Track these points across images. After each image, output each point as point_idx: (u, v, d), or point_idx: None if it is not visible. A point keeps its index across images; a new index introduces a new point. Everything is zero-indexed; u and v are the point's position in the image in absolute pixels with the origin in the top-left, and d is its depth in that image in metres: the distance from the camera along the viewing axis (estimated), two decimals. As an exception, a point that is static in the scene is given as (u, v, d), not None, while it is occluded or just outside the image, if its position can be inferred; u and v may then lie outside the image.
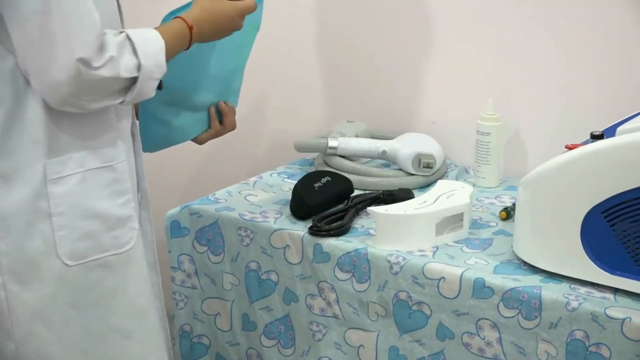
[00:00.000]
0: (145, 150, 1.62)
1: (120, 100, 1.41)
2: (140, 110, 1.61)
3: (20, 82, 1.38)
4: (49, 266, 1.42)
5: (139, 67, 1.39)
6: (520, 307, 1.47)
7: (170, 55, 1.46)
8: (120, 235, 1.48)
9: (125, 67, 1.38)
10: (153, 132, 1.65)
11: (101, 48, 1.35)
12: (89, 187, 1.44)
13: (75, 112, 1.40)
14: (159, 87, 1.48)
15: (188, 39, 1.49)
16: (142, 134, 1.61)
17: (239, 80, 1.76)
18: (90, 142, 1.44)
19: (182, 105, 1.66)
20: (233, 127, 1.75)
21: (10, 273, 1.40)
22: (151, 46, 1.42)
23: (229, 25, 1.55)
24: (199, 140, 1.73)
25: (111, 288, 1.48)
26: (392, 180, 1.92)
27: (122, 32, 1.41)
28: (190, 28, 1.49)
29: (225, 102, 1.73)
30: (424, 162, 1.93)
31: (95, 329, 1.47)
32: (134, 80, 1.40)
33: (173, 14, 1.53)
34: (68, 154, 1.42)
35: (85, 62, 1.33)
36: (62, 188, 1.41)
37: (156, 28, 1.46)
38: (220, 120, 1.73)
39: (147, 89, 1.43)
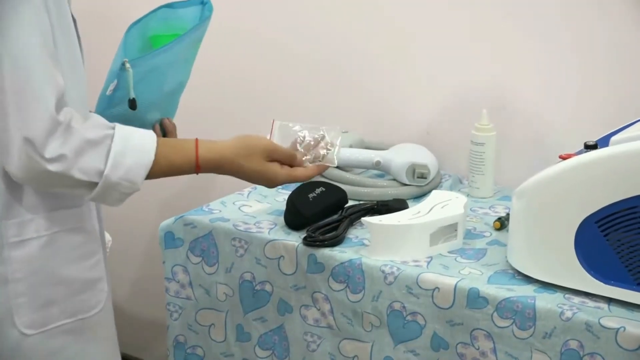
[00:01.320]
0: None
1: (82, 195, 1.31)
2: None
3: None
4: (4, 335, 1.32)
5: (100, 175, 1.29)
6: (514, 317, 1.47)
7: (157, 175, 1.35)
8: (88, 299, 1.39)
9: (82, 169, 1.27)
10: None
11: (51, 133, 1.23)
12: (55, 251, 1.34)
13: None
14: (133, 106, 1.40)
15: (191, 171, 1.39)
16: None
17: (180, 95, 1.65)
18: (58, 202, 1.35)
19: (133, 124, 1.46)
20: None
21: None
22: (132, 159, 1.31)
23: (266, 183, 1.47)
24: None
25: (74, 354, 1.39)
26: (386, 190, 1.92)
27: (112, 127, 1.30)
28: (197, 168, 1.39)
29: (168, 119, 1.61)
30: (418, 173, 1.93)
31: None
32: (93, 185, 1.29)
33: (137, 27, 1.46)
34: (30, 214, 1.32)
35: (32, 145, 1.22)
36: (22, 252, 1.31)
37: (161, 140, 1.35)
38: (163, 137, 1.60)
39: (110, 200, 1.32)
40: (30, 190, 1.32)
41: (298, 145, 1.53)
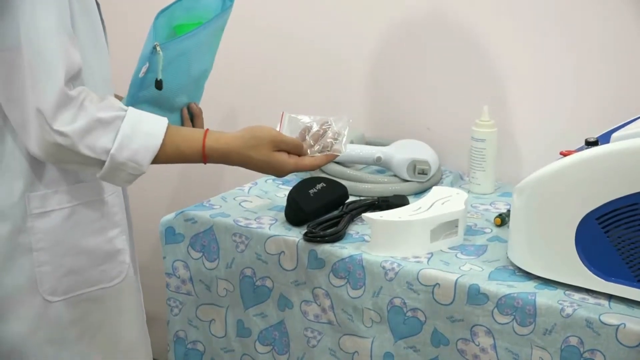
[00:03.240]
0: None
1: (92, 173, 1.35)
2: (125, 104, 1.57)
3: (1, 113, 1.33)
4: (29, 302, 1.37)
5: (107, 153, 1.33)
6: (514, 314, 1.47)
7: (164, 161, 1.39)
8: (110, 270, 1.43)
9: (90, 146, 1.31)
10: None
11: (61, 106, 1.28)
12: (77, 222, 1.39)
13: None
14: (159, 87, 1.45)
15: (199, 160, 1.43)
16: None
17: (204, 81, 1.73)
18: (77, 176, 1.40)
19: (163, 107, 1.61)
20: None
21: None
22: (140, 141, 1.35)
23: (274, 173, 1.49)
24: None
25: (96, 322, 1.43)
26: (387, 186, 1.92)
27: (124, 110, 1.35)
28: (204, 158, 1.43)
29: (194, 103, 1.68)
30: (418, 169, 1.93)
31: None
32: (102, 163, 1.33)
33: (165, 15, 1.52)
34: (53, 187, 1.37)
35: (42, 116, 1.27)
36: (45, 223, 1.37)
37: (172, 128, 1.39)
38: (192, 121, 1.68)
39: (118, 180, 1.36)
40: (50, 165, 1.37)
41: (306, 135, 1.54)
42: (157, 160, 1.38)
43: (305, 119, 1.57)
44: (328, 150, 1.54)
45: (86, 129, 1.30)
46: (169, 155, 1.38)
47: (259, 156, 1.46)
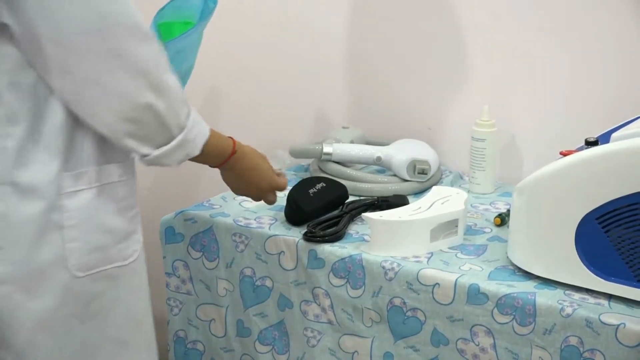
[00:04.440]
0: None
1: (147, 151, 1.41)
2: None
3: (40, 95, 1.35)
4: (57, 277, 1.40)
5: (181, 130, 1.42)
6: (514, 313, 1.47)
7: (209, 150, 1.48)
8: (125, 248, 1.47)
9: (176, 113, 1.40)
10: None
11: (166, 69, 1.37)
12: (103, 201, 1.43)
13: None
14: None
15: (226, 154, 1.55)
16: None
17: (188, 79, 1.75)
18: (106, 157, 1.44)
19: None
20: None
21: (17, 283, 1.38)
22: (199, 127, 1.45)
23: (259, 183, 1.65)
24: None
25: (112, 299, 1.47)
26: (387, 186, 1.92)
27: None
28: (233, 151, 1.56)
29: None
30: (418, 168, 1.93)
31: (93, 340, 1.47)
32: (169, 138, 1.41)
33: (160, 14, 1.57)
34: (85, 167, 1.41)
35: (148, 78, 1.34)
36: (76, 201, 1.40)
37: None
38: None
39: (174, 158, 1.44)
40: (85, 145, 1.40)
41: None
42: (204, 147, 1.47)
43: None
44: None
45: (176, 98, 1.39)
46: (210, 145, 1.48)
47: (266, 164, 1.65)
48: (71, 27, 1.30)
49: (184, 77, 1.70)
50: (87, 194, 1.41)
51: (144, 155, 1.42)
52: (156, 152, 1.42)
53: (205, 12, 1.67)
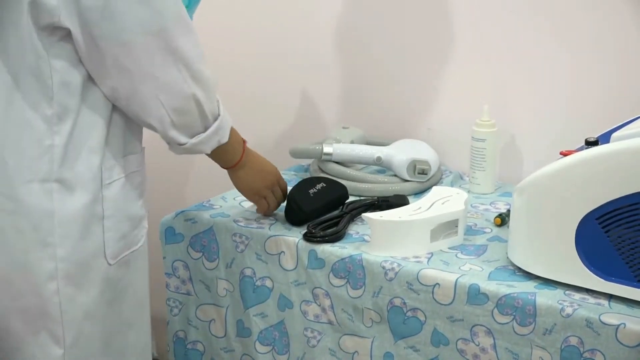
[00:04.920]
0: None
1: (185, 140, 1.48)
2: None
3: (87, 94, 1.41)
4: (98, 267, 1.46)
5: (215, 117, 1.50)
6: (514, 314, 1.47)
7: (230, 140, 1.57)
8: (137, 233, 1.53)
9: (211, 104, 1.48)
10: None
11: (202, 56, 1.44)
12: (128, 190, 1.49)
13: (124, 121, 1.46)
14: None
15: (239, 147, 1.64)
16: None
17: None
18: (129, 149, 1.50)
19: None
20: None
21: (66, 278, 1.42)
22: (227, 116, 1.53)
23: (265, 183, 1.73)
24: None
25: (127, 283, 1.53)
26: (387, 186, 1.92)
27: None
28: (244, 142, 1.64)
29: None
30: (419, 169, 1.93)
31: (115, 323, 1.52)
32: (205, 128, 1.50)
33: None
34: (115, 160, 1.46)
35: (192, 70, 1.42)
36: (112, 192, 1.46)
37: None
38: None
39: (209, 145, 1.52)
40: (117, 139, 1.47)
41: None
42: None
43: None
44: None
45: (212, 82, 1.47)
46: (231, 135, 1.58)
47: (270, 166, 1.73)
48: (135, 28, 1.35)
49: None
50: (117, 184, 1.47)
51: (181, 144, 1.49)
52: (193, 140, 1.49)
53: None
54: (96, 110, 1.42)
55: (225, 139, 1.55)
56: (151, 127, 1.48)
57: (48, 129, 1.38)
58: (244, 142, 1.66)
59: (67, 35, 1.36)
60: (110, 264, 1.47)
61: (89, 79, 1.40)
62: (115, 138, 1.47)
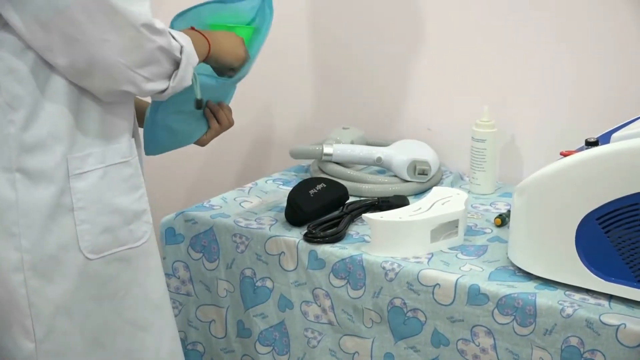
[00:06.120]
0: (148, 153, 1.65)
1: (165, 85, 1.45)
2: (148, 120, 1.62)
3: (40, 78, 1.38)
4: (71, 260, 1.43)
5: (181, 50, 1.45)
6: (515, 314, 1.47)
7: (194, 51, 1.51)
8: (136, 230, 1.50)
9: (172, 45, 1.43)
10: (160, 139, 1.66)
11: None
12: (109, 182, 1.46)
13: (100, 110, 1.43)
14: (199, 106, 1.55)
15: (205, 45, 1.56)
16: (148, 140, 1.64)
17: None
18: (108, 138, 1.47)
19: (188, 112, 1.64)
20: (231, 123, 1.73)
21: (32, 269, 1.40)
22: (184, 36, 1.48)
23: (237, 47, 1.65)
24: (201, 142, 1.71)
25: (127, 281, 1.50)
26: (387, 187, 1.92)
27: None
28: (209, 43, 1.57)
29: (218, 103, 1.71)
30: (419, 169, 1.93)
31: (112, 322, 1.49)
32: (177, 65, 1.45)
33: (182, 17, 1.59)
34: (89, 149, 1.44)
35: (148, 27, 1.38)
36: (83, 183, 1.43)
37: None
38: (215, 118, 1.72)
39: (188, 75, 1.48)
40: (89, 127, 1.44)
41: None
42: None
43: None
44: None
45: (160, 25, 1.42)
46: (193, 43, 1.51)
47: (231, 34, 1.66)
48: None
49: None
50: (94, 175, 1.44)
51: (162, 91, 1.46)
52: (172, 83, 1.46)
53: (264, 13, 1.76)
54: (57, 99, 1.39)
55: (196, 59, 1.50)
56: (128, 94, 1.45)
57: (3, 117, 1.37)
58: (200, 32, 1.59)
59: (5, 24, 1.35)
60: (89, 259, 1.44)
61: (41, 65, 1.38)
62: (89, 127, 1.44)
